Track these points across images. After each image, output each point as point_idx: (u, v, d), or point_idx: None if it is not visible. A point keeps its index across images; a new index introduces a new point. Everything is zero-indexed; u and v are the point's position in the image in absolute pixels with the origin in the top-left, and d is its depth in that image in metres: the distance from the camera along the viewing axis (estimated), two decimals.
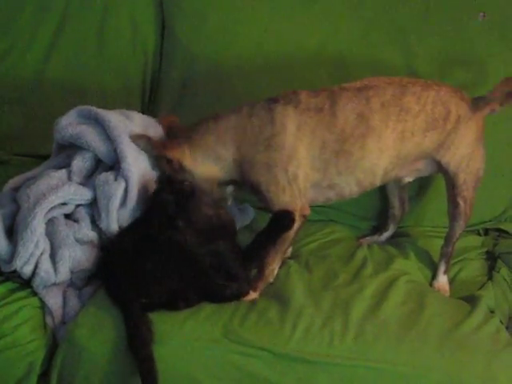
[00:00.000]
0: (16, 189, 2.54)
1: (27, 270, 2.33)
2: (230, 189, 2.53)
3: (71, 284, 2.42)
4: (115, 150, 2.44)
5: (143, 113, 2.71)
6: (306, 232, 2.77)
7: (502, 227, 2.88)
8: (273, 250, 2.40)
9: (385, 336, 2.19)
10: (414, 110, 2.37)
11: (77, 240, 2.39)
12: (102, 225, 2.40)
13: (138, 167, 2.43)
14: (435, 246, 2.68)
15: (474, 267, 2.67)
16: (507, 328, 2.33)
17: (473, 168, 2.50)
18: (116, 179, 2.41)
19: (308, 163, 2.35)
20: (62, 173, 2.47)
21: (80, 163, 2.49)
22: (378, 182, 2.45)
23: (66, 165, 2.52)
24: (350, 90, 2.38)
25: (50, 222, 2.39)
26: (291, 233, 2.39)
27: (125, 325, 2.20)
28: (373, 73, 2.57)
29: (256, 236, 2.39)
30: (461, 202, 2.52)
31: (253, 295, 2.35)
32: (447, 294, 2.54)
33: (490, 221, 2.89)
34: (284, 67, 2.86)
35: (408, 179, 2.59)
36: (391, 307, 2.29)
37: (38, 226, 2.32)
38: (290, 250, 2.66)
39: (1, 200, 2.51)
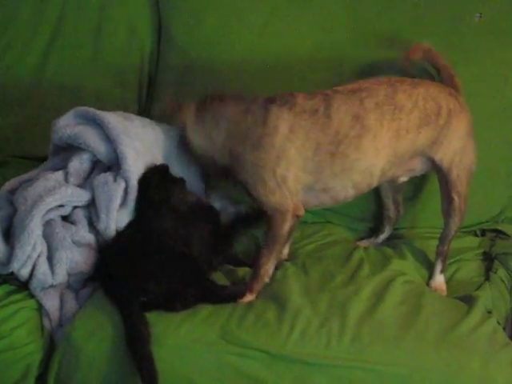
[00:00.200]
0: (13, 191, 2.54)
1: (24, 273, 2.34)
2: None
3: (68, 286, 2.42)
4: (115, 151, 2.44)
5: (140, 114, 2.71)
6: (302, 234, 2.79)
7: (499, 228, 2.88)
8: (266, 250, 2.40)
9: (382, 337, 2.19)
10: (407, 107, 2.38)
11: (74, 242, 2.39)
12: (101, 226, 2.40)
13: (137, 168, 2.43)
14: (431, 246, 2.68)
15: (470, 268, 2.66)
16: (504, 328, 2.33)
17: (465, 163, 2.51)
18: (115, 180, 2.41)
19: (299, 165, 2.35)
20: (59, 174, 2.47)
21: (77, 165, 2.49)
22: (374, 183, 2.45)
23: (63, 167, 2.52)
24: (343, 92, 2.38)
25: (47, 224, 2.39)
26: (284, 232, 2.39)
27: (124, 324, 2.21)
28: (368, 74, 2.59)
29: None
30: (455, 198, 2.52)
31: (249, 297, 2.36)
32: (444, 293, 2.54)
33: (487, 221, 2.88)
34: (280, 69, 2.85)
35: (403, 179, 2.60)
36: (388, 308, 2.29)
37: (35, 228, 2.32)
38: (287, 251, 2.67)
39: None
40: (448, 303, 2.41)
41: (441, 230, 2.61)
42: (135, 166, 2.42)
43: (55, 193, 2.38)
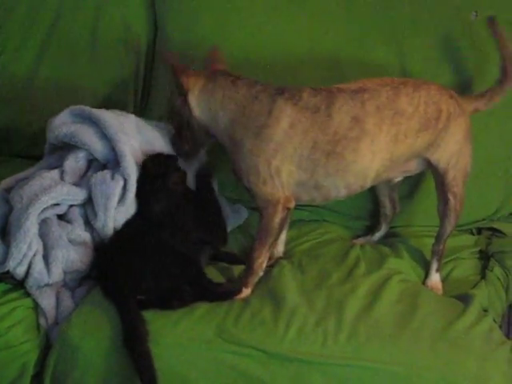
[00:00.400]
0: (8, 190, 2.54)
1: (20, 271, 2.34)
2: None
3: (64, 285, 2.42)
4: (112, 149, 2.45)
5: (136, 114, 2.71)
6: (299, 232, 2.78)
7: (495, 226, 2.88)
8: (258, 243, 2.40)
9: (378, 335, 2.19)
10: (408, 112, 2.36)
11: (70, 241, 2.39)
12: (98, 224, 2.40)
13: (134, 165, 2.44)
14: (427, 245, 2.68)
15: (467, 266, 2.66)
16: (500, 327, 2.33)
17: (462, 164, 2.50)
18: (113, 178, 2.41)
19: (294, 161, 2.34)
20: (55, 173, 2.47)
21: (73, 163, 2.49)
22: (368, 185, 2.44)
23: (59, 165, 2.52)
24: (346, 91, 2.37)
25: (43, 223, 2.39)
26: (275, 224, 2.38)
27: (121, 322, 2.21)
28: (365, 73, 2.58)
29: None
30: (451, 198, 2.52)
31: (245, 292, 2.36)
32: (440, 292, 2.54)
33: (483, 220, 2.88)
34: (277, 67, 2.84)
35: (398, 179, 2.61)
36: (384, 306, 2.30)
37: (31, 226, 2.32)
38: (282, 249, 2.66)
39: None
40: (444, 302, 2.42)
41: (437, 229, 2.61)
42: (134, 163, 2.43)
43: (51, 191, 2.38)
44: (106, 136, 2.46)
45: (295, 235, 2.75)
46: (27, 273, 2.35)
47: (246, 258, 2.47)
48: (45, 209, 2.38)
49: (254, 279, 2.41)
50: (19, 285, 2.38)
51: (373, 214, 2.88)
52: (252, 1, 2.94)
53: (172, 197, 2.45)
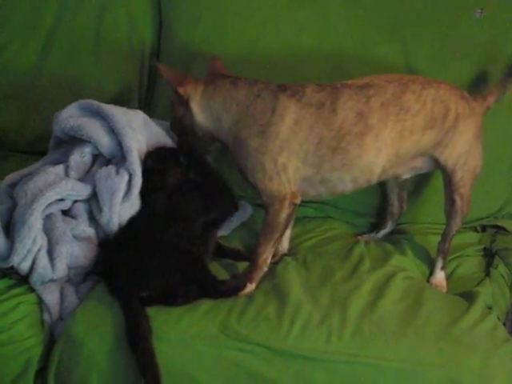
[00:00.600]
0: (13, 185, 2.54)
1: (24, 267, 2.34)
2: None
3: (68, 280, 2.42)
4: (119, 144, 2.45)
5: (140, 109, 2.70)
6: (303, 229, 2.79)
7: (500, 224, 2.88)
8: (264, 238, 2.41)
9: (382, 332, 2.19)
10: (414, 109, 2.36)
11: (74, 236, 2.39)
12: (103, 219, 2.40)
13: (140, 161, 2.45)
14: (432, 242, 2.68)
15: (471, 264, 2.67)
16: (504, 324, 2.33)
17: (470, 165, 2.50)
18: (118, 173, 2.41)
19: (300, 157, 2.34)
20: (60, 168, 2.47)
21: (77, 158, 2.49)
22: (374, 180, 2.44)
23: (64, 160, 2.52)
24: (351, 87, 2.37)
25: (48, 218, 2.39)
26: (281, 220, 2.39)
27: (124, 318, 2.21)
28: (370, 69, 2.58)
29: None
30: (457, 199, 2.52)
31: (250, 287, 2.37)
32: (444, 290, 2.54)
33: (488, 217, 2.88)
34: (281, 65, 2.84)
35: (406, 176, 2.60)
36: (389, 303, 2.30)
37: (35, 222, 2.32)
38: (287, 246, 2.67)
39: None
40: (448, 299, 2.41)
41: (442, 226, 2.61)
42: (139, 158, 2.43)
43: (55, 187, 2.38)
44: (113, 130, 2.46)
45: (300, 232, 2.75)
46: (31, 268, 2.35)
47: (250, 254, 2.47)
48: (49, 204, 2.38)
49: (259, 275, 2.41)
50: (23, 280, 2.39)
51: (378, 211, 2.89)
52: None
53: (173, 191, 2.45)
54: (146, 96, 3.18)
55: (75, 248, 2.37)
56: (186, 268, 2.27)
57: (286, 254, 2.62)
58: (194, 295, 2.26)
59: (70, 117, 2.53)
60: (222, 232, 2.68)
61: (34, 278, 2.35)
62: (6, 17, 3.18)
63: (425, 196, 2.84)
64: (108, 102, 2.65)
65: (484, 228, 2.91)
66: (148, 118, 2.63)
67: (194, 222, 2.42)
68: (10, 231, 2.38)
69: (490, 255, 2.72)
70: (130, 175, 2.41)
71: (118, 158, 2.47)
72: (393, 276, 2.43)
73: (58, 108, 2.60)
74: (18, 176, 2.58)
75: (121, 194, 2.39)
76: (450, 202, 2.54)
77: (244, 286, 2.35)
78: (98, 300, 2.31)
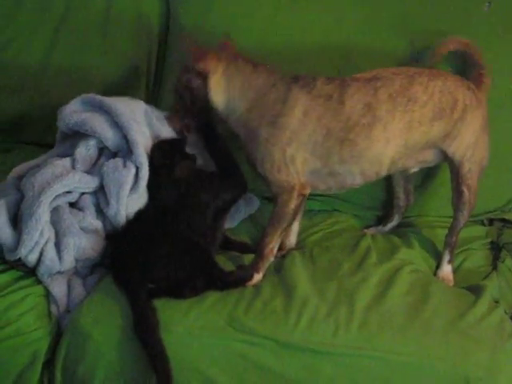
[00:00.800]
0: (20, 177, 2.54)
1: (32, 259, 2.34)
2: None
3: (76, 272, 2.43)
4: (125, 137, 2.45)
5: (148, 102, 2.71)
6: (310, 222, 2.79)
7: (507, 217, 2.88)
8: (271, 228, 2.41)
9: (389, 326, 2.19)
10: (422, 99, 2.37)
11: (81, 228, 2.39)
12: (110, 212, 2.40)
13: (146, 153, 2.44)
14: (439, 235, 2.68)
15: (478, 257, 2.66)
16: (511, 318, 2.32)
17: (477, 157, 2.50)
18: (125, 165, 2.41)
19: (308, 149, 2.35)
20: (67, 161, 2.47)
21: (83, 151, 2.49)
22: (384, 172, 2.45)
23: (71, 153, 2.51)
24: (360, 80, 2.38)
25: (55, 211, 2.39)
26: (289, 210, 2.39)
27: (131, 310, 2.21)
28: (378, 62, 2.57)
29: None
30: (465, 191, 2.52)
31: (256, 277, 2.37)
32: (451, 283, 2.54)
33: (495, 211, 2.88)
34: (289, 58, 2.83)
35: (414, 169, 2.60)
36: (396, 297, 2.30)
37: (42, 214, 2.32)
38: (295, 240, 2.67)
39: (5, 188, 2.51)
40: (455, 292, 2.42)
41: (449, 219, 2.62)
42: (145, 150, 2.43)
43: (63, 179, 2.38)
44: (117, 124, 2.46)
45: (306, 225, 2.75)
46: (39, 260, 2.35)
47: (256, 244, 2.47)
48: (56, 196, 2.38)
49: (265, 265, 2.41)
50: (31, 272, 2.39)
51: (384, 204, 2.89)
52: None
53: (182, 184, 2.45)
54: (154, 85, 3.18)
55: (82, 240, 2.37)
56: (193, 260, 2.27)
57: (292, 248, 2.62)
58: (202, 287, 2.26)
59: (74, 112, 2.53)
60: (229, 224, 2.68)
61: (42, 270, 2.35)
62: (13, 10, 3.18)
63: (432, 189, 2.84)
64: (115, 92, 2.66)
65: (491, 221, 2.91)
66: (150, 107, 2.63)
67: (205, 211, 2.42)
68: (18, 223, 2.38)
69: (497, 249, 2.71)
70: (137, 168, 2.41)
71: (123, 151, 2.47)
72: (400, 269, 2.43)
73: (65, 99, 2.60)
74: (25, 168, 2.58)
75: (128, 186, 2.39)
76: (458, 194, 2.54)
77: (251, 277, 2.35)
78: (106, 292, 2.32)
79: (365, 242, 2.64)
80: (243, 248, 2.57)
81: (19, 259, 2.35)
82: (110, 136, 2.47)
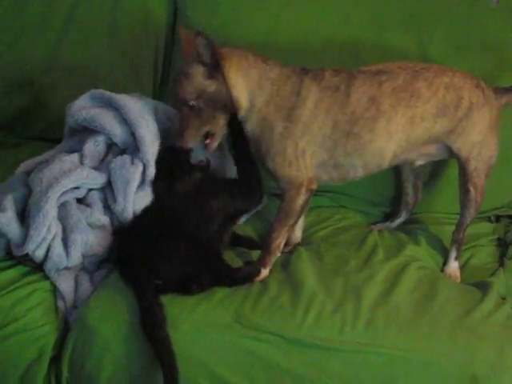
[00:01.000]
0: (28, 173, 2.54)
1: (39, 254, 2.34)
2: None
3: (83, 268, 2.43)
4: (132, 134, 2.44)
5: (154, 98, 2.71)
6: (317, 218, 2.79)
7: None
8: (278, 224, 2.41)
9: (396, 322, 2.19)
10: (425, 96, 2.37)
11: (89, 224, 2.39)
12: (118, 208, 2.40)
13: (154, 150, 2.44)
14: (446, 232, 2.68)
15: (485, 254, 2.67)
16: None
17: (484, 156, 2.49)
18: (133, 162, 2.41)
19: (318, 141, 2.35)
20: (75, 157, 2.47)
21: (92, 147, 2.49)
22: (385, 165, 2.45)
23: (78, 149, 2.51)
24: (366, 73, 2.38)
25: (62, 206, 2.39)
26: (297, 206, 2.39)
27: (138, 306, 2.21)
28: (386, 59, 2.56)
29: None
30: (471, 189, 2.52)
31: (263, 272, 2.37)
32: (458, 280, 2.54)
33: (502, 207, 2.88)
34: (296, 53, 2.84)
35: (419, 162, 2.59)
36: (402, 293, 2.30)
37: (50, 209, 2.32)
38: (300, 235, 2.67)
39: (13, 184, 2.51)
40: (462, 289, 2.41)
41: (457, 215, 2.62)
42: (153, 148, 2.42)
43: (71, 175, 2.38)
44: (125, 121, 2.46)
45: (313, 221, 2.76)
46: (46, 256, 2.35)
47: (263, 240, 2.47)
48: (64, 192, 2.38)
49: (272, 260, 2.41)
50: (38, 268, 2.39)
51: (391, 200, 2.89)
52: None
53: (191, 187, 2.45)
54: (161, 82, 3.18)
55: (90, 236, 2.37)
56: (201, 256, 2.27)
57: (299, 244, 2.62)
58: (209, 283, 2.26)
59: (83, 108, 2.52)
60: None
61: (49, 266, 2.35)
62: (21, 6, 3.18)
63: (439, 186, 2.84)
64: (122, 88, 2.65)
65: (498, 218, 2.90)
66: (160, 104, 2.63)
67: (212, 216, 2.41)
68: (25, 219, 2.38)
69: (503, 245, 2.71)
70: (144, 165, 2.41)
71: (132, 148, 2.47)
72: (406, 266, 2.43)
73: (72, 95, 2.60)
74: (33, 163, 2.58)
75: (135, 183, 2.39)
76: (464, 192, 2.54)
77: (258, 273, 2.35)
78: (113, 288, 2.32)
79: (372, 239, 2.64)
80: (251, 244, 2.57)
81: (26, 254, 2.35)
82: (118, 133, 2.46)
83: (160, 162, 2.44)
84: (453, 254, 2.58)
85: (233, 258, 2.46)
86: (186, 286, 2.24)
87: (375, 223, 2.85)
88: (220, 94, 2.33)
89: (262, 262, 2.40)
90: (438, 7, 2.80)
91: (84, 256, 2.39)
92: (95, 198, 2.44)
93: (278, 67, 2.37)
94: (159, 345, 2.14)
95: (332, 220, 2.81)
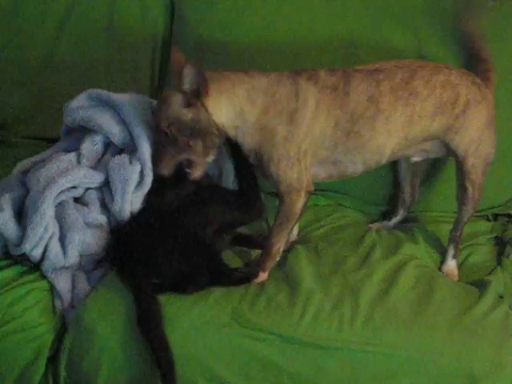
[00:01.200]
0: (25, 172, 2.53)
1: (36, 254, 2.34)
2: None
3: (80, 267, 2.42)
4: (129, 133, 2.44)
5: (152, 95, 2.70)
6: (314, 217, 2.79)
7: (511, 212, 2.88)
8: (278, 228, 2.40)
9: (394, 321, 2.19)
10: (423, 94, 2.37)
11: (86, 224, 2.39)
12: (115, 208, 2.40)
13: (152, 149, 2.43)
14: (444, 231, 2.69)
15: (483, 252, 2.67)
16: None
17: (482, 152, 2.49)
18: (131, 162, 2.41)
19: (319, 142, 2.34)
20: (72, 156, 2.47)
21: (89, 146, 2.48)
22: (383, 161, 2.45)
23: (76, 148, 2.51)
24: (362, 71, 2.37)
25: (60, 206, 2.39)
26: (297, 210, 2.38)
27: (135, 305, 2.21)
28: (383, 57, 2.57)
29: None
30: (469, 186, 2.51)
31: (262, 276, 2.36)
32: (456, 278, 2.54)
33: (500, 206, 2.88)
34: (293, 51, 2.84)
35: (416, 159, 2.58)
36: (400, 292, 2.30)
37: (47, 209, 2.32)
38: (296, 232, 2.67)
39: (10, 183, 2.51)
40: (460, 288, 2.41)
41: (454, 214, 2.61)
42: (150, 148, 2.41)
43: (68, 174, 2.38)
44: (123, 120, 2.45)
45: (311, 220, 2.75)
46: (43, 255, 2.35)
47: (264, 244, 2.45)
48: (61, 191, 2.37)
49: (271, 264, 2.41)
50: (35, 267, 2.39)
51: (389, 199, 2.89)
52: None
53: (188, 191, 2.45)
54: (159, 82, 3.17)
55: (87, 235, 2.37)
56: (198, 256, 2.27)
57: (296, 242, 2.62)
58: (206, 283, 2.26)
59: (80, 107, 2.52)
60: None
61: (46, 265, 2.35)
62: (18, 4, 3.18)
63: (437, 184, 2.84)
64: (119, 88, 2.65)
65: (496, 217, 2.91)
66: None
67: (207, 224, 2.38)
68: (22, 218, 2.38)
69: (501, 244, 2.71)
70: (142, 165, 2.40)
71: (130, 148, 2.47)
72: (404, 264, 2.43)
73: (69, 94, 2.60)
74: (30, 163, 2.58)
75: (133, 183, 2.38)
76: (462, 189, 2.54)
77: (256, 275, 2.35)
78: (110, 287, 2.32)
79: (369, 237, 2.64)
80: (250, 242, 2.57)
81: (24, 254, 2.35)
82: (116, 132, 2.46)
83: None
84: (450, 253, 2.58)
85: (232, 258, 2.46)
86: (183, 286, 2.24)
87: (373, 222, 2.84)
88: (197, 122, 2.28)
89: (261, 266, 2.39)
90: (434, 5, 2.79)
91: (81, 255, 2.38)
92: (92, 197, 2.44)
93: (264, 76, 2.33)
94: (156, 344, 2.14)
95: (330, 218, 2.81)
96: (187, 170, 2.37)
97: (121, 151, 2.49)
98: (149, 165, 2.39)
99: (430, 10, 2.79)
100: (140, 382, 2.21)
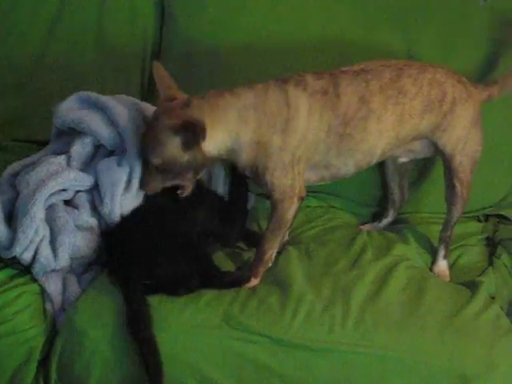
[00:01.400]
0: (15, 175, 2.53)
1: (27, 257, 2.33)
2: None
3: (71, 270, 2.41)
4: (119, 135, 2.43)
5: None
6: (305, 218, 2.79)
7: (503, 213, 2.90)
8: (271, 234, 2.39)
9: (385, 322, 2.19)
10: (411, 92, 2.37)
11: (77, 226, 2.38)
12: (105, 210, 2.39)
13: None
14: (434, 232, 2.68)
15: (474, 253, 2.67)
16: (507, 314, 2.32)
17: (469, 150, 2.49)
18: (119, 164, 2.40)
19: (313, 147, 2.33)
20: (62, 159, 2.47)
21: (79, 149, 2.48)
22: (373, 162, 2.45)
23: (66, 151, 2.51)
24: (348, 72, 2.36)
25: (50, 209, 2.38)
26: (290, 217, 2.38)
27: (125, 306, 2.21)
28: (374, 57, 2.56)
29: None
30: (457, 184, 2.51)
31: (254, 281, 2.35)
32: (447, 278, 2.54)
33: (491, 207, 2.89)
34: (284, 52, 2.84)
35: (403, 159, 2.59)
36: (392, 293, 2.30)
37: (37, 212, 2.31)
38: (287, 235, 2.65)
39: (0, 186, 2.50)
40: (451, 288, 2.42)
41: (443, 215, 2.61)
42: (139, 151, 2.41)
43: (58, 177, 2.38)
44: (112, 122, 2.45)
45: (302, 221, 2.75)
46: (34, 258, 2.34)
47: (256, 250, 2.44)
48: (52, 194, 2.37)
49: (263, 269, 2.40)
50: (26, 270, 2.38)
51: (380, 201, 2.89)
52: None
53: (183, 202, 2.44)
54: (149, 85, 3.16)
55: (78, 238, 2.36)
56: (190, 258, 2.27)
57: (286, 242, 2.62)
58: (197, 285, 2.26)
59: (70, 109, 2.52)
60: None
61: (37, 268, 2.35)
62: (8, 6, 3.17)
63: (427, 186, 2.84)
64: (109, 90, 2.64)
65: (487, 217, 2.91)
66: (144, 106, 2.61)
67: (195, 225, 2.41)
68: (13, 221, 2.38)
69: (492, 245, 2.72)
70: (131, 167, 2.40)
71: (119, 150, 2.46)
72: (395, 265, 2.43)
73: (59, 97, 2.59)
74: (20, 166, 2.57)
75: (122, 185, 2.38)
76: (450, 188, 2.53)
77: (248, 279, 2.34)
78: (101, 290, 2.31)
79: (360, 239, 2.64)
80: (251, 238, 2.59)
81: (14, 257, 2.34)
82: (105, 134, 2.45)
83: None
84: (441, 253, 2.58)
85: (224, 260, 2.47)
86: (174, 288, 2.24)
87: (363, 224, 2.84)
88: (193, 161, 2.27)
89: (253, 272, 2.38)
90: (426, 6, 2.80)
91: (72, 258, 2.38)
92: (83, 199, 2.43)
93: (249, 90, 2.29)
94: (144, 345, 2.14)
95: (321, 220, 2.80)
96: (178, 191, 2.37)
97: (111, 153, 2.48)
98: (137, 168, 2.39)
99: (421, 11, 2.81)
100: None
